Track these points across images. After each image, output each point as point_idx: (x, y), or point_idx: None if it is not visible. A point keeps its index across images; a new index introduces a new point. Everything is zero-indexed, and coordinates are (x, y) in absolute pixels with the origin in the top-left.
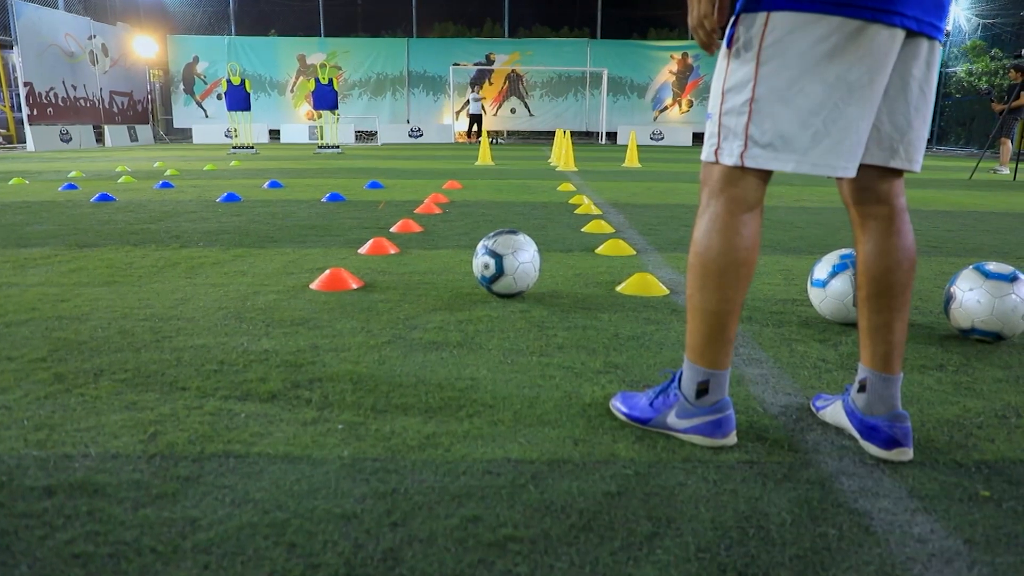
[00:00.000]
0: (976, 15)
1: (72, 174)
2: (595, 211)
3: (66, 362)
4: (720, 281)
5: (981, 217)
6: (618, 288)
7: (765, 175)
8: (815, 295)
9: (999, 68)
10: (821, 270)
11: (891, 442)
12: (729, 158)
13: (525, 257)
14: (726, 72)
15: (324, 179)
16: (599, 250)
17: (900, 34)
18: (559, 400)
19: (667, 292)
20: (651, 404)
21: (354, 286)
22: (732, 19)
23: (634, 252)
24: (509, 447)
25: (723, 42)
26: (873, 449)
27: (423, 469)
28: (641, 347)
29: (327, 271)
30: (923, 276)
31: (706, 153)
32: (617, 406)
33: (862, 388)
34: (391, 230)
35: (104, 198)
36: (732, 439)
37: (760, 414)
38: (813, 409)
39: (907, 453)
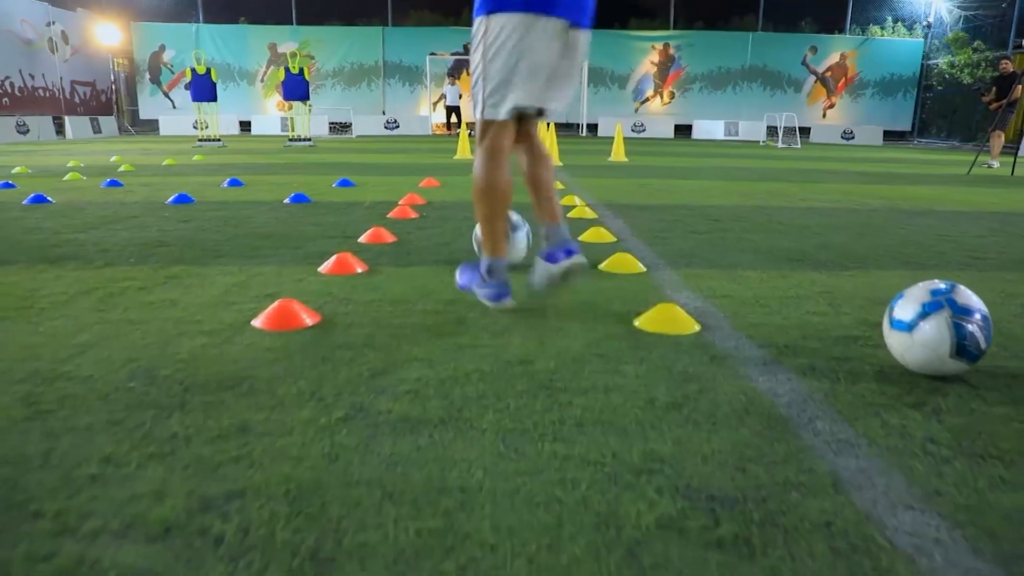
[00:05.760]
0: (958, 7)
1: (16, 170)
2: (590, 214)
3: None
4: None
5: (1005, 219)
6: (637, 323)
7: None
8: (897, 341)
9: (981, 60)
10: (905, 310)
11: (569, 254)
12: None
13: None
14: None
15: (291, 175)
16: (603, 266)
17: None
18: (591, 535)
19: (698, 328)
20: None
21: (308, 322)
22: None
23: (644, 270)
24: None
25: None
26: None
27: None
28: (687, 422)
29: (276, 303)
30: (990, 302)
31: None
32: (457, 278)
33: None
34: (360, 240)
35: (38, 200)
36: (509, 303)
37: (888, 551)
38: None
39: (580, 257)
